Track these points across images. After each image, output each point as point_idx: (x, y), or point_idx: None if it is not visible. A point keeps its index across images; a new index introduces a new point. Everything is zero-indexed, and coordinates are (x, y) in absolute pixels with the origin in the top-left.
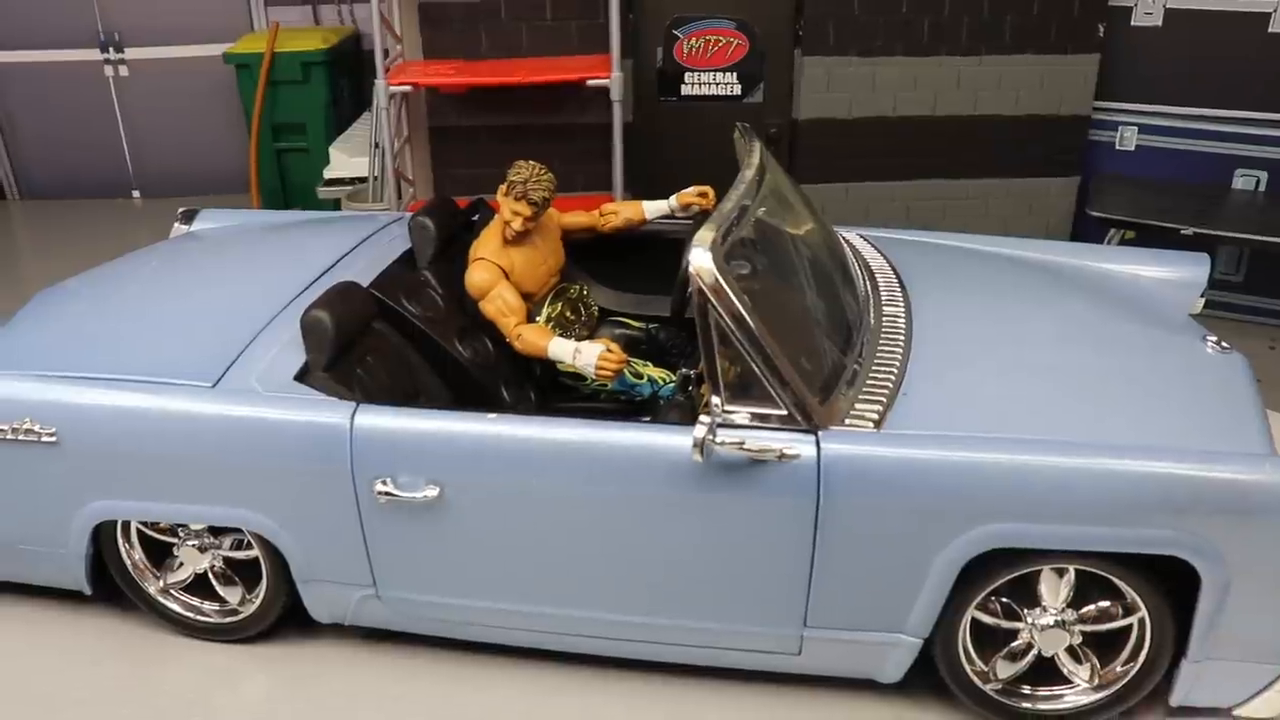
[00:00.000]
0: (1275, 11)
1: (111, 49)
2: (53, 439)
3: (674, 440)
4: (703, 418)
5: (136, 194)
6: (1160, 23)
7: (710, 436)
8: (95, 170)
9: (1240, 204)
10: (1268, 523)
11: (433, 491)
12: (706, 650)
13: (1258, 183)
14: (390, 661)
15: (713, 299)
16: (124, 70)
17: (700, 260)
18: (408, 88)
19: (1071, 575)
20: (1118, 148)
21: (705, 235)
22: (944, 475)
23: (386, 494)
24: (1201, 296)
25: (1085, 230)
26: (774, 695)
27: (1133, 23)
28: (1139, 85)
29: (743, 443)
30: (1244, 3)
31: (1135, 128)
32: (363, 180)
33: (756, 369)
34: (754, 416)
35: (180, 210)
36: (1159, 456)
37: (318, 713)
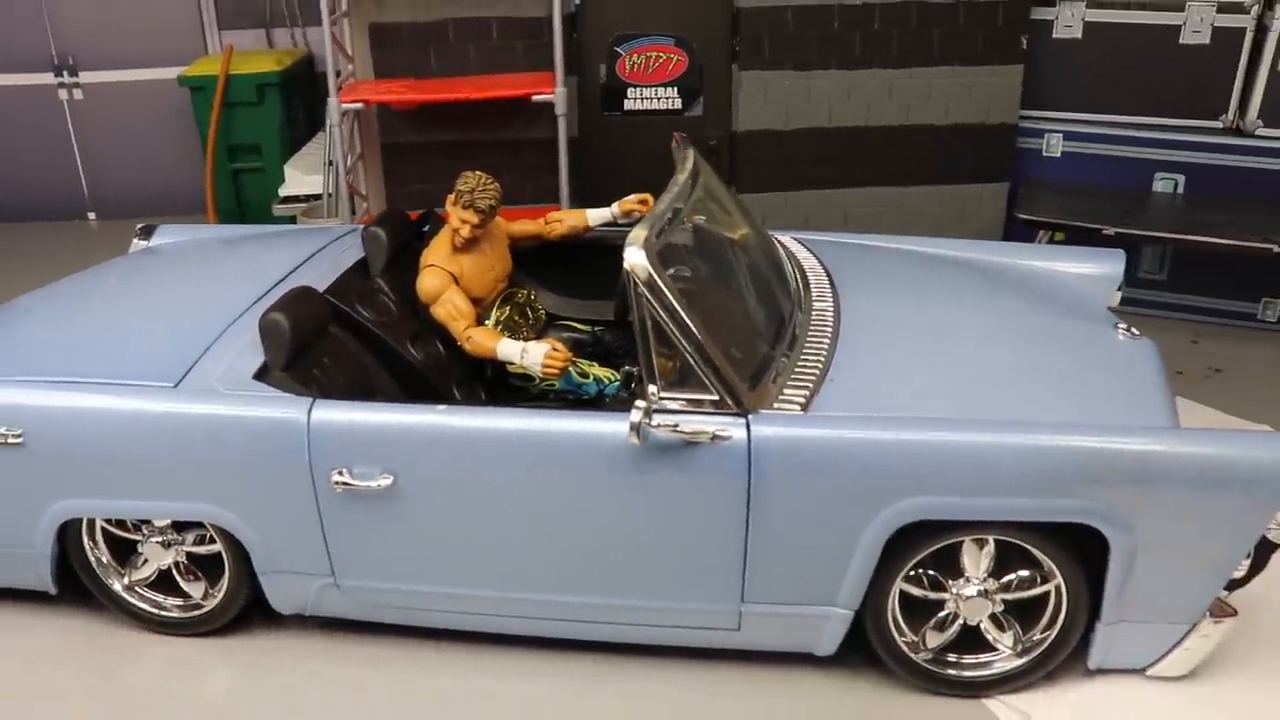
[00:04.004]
0: (1184, 24)
1: (65, 72)
2: (18, 440)
3: (612, 426)
4: (638, 403)
5: (92, 216)
6: (1080, 35)
7: (646, 420)
8: (50, 193)
9: (1161, 205)
10: (1169, 491)
11: (387, 480)
12: (652, 629)
13: (1176, 185)
14: (351, 649)
15: (647, 293)
16: (78, 94)
17: (634, 257)
18: (360, 105)
19: (991, 546)
20: (1044, 154)
21: (639, 234)
22: (867, 453)
23: (343, 483)
24: (1119, 290)
25: (1016, 233)
26: (718, 671)
27: (1054, 35)
28: (1062, 94)
29: (676, 425)
30: (1156, 16)
31: (1060, 135)
32: (317, 197)
33: (689, 357)
34: (688, 403)
35: (139, 226)
36: (1070, 431)
37: (282, 701)
